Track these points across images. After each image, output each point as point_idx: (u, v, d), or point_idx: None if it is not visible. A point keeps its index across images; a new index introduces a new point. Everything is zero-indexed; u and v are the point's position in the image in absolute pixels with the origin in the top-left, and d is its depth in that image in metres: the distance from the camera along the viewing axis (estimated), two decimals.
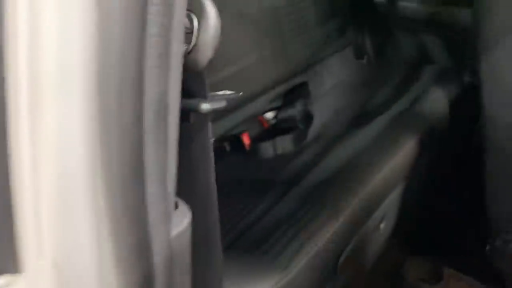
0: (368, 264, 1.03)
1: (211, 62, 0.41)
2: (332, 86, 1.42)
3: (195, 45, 0.39)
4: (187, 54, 0.39)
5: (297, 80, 1.31)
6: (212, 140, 0.46)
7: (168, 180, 0.35)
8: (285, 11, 1.24)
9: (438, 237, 1.21)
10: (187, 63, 0.38)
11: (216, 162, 1.10)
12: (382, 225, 1.04)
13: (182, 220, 0.36)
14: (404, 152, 1.00)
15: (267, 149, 1.07)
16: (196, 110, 0.40)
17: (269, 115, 1.22)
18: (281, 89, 1.27)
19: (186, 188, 0.40)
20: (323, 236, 0.74)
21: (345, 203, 0.81)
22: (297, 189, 0.90)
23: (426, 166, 1.14)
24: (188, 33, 0.38)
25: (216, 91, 1.08)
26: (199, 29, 0.39)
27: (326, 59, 1.42)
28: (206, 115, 0.43)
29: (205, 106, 0.40)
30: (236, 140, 1.08)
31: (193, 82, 0.42)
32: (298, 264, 0.69)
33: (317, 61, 1.39)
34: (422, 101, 1.18)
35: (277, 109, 1.22)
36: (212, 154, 0.46)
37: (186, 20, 0.38)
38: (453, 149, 1.27)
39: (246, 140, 1.08)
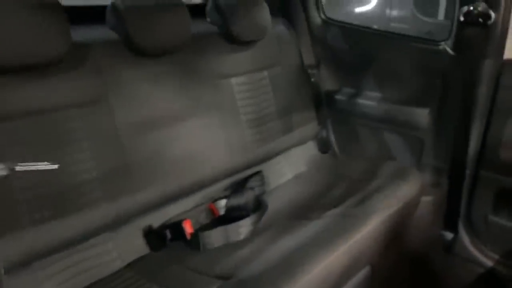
0: None
1: None
2: (293, 176, 1.42)
3: None
4: None
5: (255, 169, 1.31)
6: None
7: None
8: (243, 103, 1.27)
9: None
10: None
11: (154, 250, 1.05)
12: None
13: None
14: (351, 249, 0.95)
15: (208, 239, 1.02)
16: None
17: (222, 203, 1.19)
18: (236, 177, 1.26)
19: None
20: None
21: None
22: (226, 286, 0.84)
23: (379, 265, 1.08)
24: None
25: (167, 176, 1.07)
26: None
27: (288, 151, 1.43)
28: None
29: None
30: (177, 228, 1.04)
31: None
32: None
33: (278, 152, 1.40)
34: (377, 198, 1.15)
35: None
36: None
37: None
38: (413, 248, 1.22)
39: (187, 228, 1.04)
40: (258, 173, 1.30)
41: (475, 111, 1.20)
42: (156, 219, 1.07)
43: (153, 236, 1.04)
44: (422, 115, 1.30)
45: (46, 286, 0.86)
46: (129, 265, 0.98)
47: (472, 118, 1.21)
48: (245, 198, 1.18)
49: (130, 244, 1.01)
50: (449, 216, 1.31)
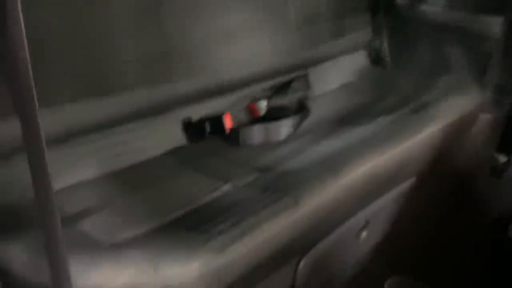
0: (341, 276, 0.92)
1: None
2: (339, 86, 1.33)
3: None
4: None
5: (299, 73, 1.23)
6: None
7: None
8: None
9: (425, 255, 1.08)
10: None
11: (193, 142, 1.04)
12: (363, 234, 0.93)
13: None
14: (399, 155, 0.89)
15: (248, 134, 0.98)
16: None
17: (263, 104, 1.13)
18: (280, 79, 1.19)
19: None
20: (274, 227, 0.64)
21: (311, 194, 0.71)
22: (265, 176, 0.81)
23: (425, 178, 1.02)
24: None
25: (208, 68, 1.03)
26: None
27: (337, 58, 1.33)
28: None
29: None
30: (217, 122, 1.00)
31: None
32: (236, 250, 0.60)
33: (326, 58, 1.30)
34: (431, 109, 1.06)
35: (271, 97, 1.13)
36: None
37: None
38: (460, 167, 1.15)
39: (227, 122, 1.00)
40: (303, 76, 1.22)
41: None
42: (195, 113, 1.04)
43: (191, 128, 1.01)
44: (494, 25, 1.15)
45: (83, 164, 0.86)
46: (166, 153, 0.96)
47: None
48: (288, 99, 1.12)
49: (168, 133, 0.99)
50: (506, 138, 1.21)
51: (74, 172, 0.84)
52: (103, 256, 0.59)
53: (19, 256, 0.56)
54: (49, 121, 0.81)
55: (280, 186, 0.73)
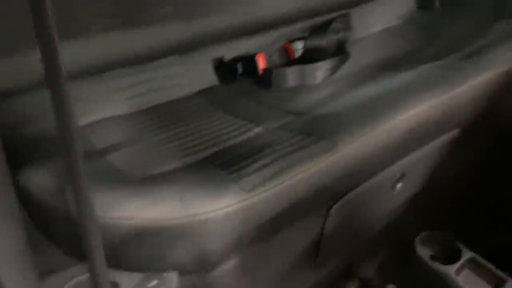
0: (371, 226, 0.90)
1: None
2: (382, 29, 1.24)
3: None
4: None
5: (340, 13, 1.15)
6: None
7: None
8: None
9: (459, 212, 1.04)
10: None
11: (224, 82, 1.01)
12: (399, 185, 0.89)
13: None
14: (444, 105, 0.83)
15: (282, 76, 0.93)
16: None
17: (299, 45, 1.07)
18: (319, 19, 1.12)
19: None
20: (307, 170, 0.61)
21: (349, 139, 0.67)
22: (299, 119, 0.77)
23: (470, 130, 0.95)
24: None
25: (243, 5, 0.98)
26: None
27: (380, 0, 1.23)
28: None
29: None
30: (249, 62, 0.95)
31: None
32: (267, 190, 0.58)
33: None
34: (483, 56, 0.97)
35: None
36: None
37: None
38: (509, 121, 1.06)
39: (261, 62, 0.95)
40: (344, 16, 1.14)
41: None
42: (227, 52, 0.99)
43: (223, 68, 0.97)
44: None
45: (116, 97, 0.84)
46: (198, 93, 0.94)
47: None
48: (326, 41, 1.05)
49: (200, 72, 0.95)
50: None
51: (105, 106, 0.83)
52: (133, 189, 0.58)
53: (45, 184, 0.56)
54: (81, 53, 0.79)
55: (315, 130, 0.69)
